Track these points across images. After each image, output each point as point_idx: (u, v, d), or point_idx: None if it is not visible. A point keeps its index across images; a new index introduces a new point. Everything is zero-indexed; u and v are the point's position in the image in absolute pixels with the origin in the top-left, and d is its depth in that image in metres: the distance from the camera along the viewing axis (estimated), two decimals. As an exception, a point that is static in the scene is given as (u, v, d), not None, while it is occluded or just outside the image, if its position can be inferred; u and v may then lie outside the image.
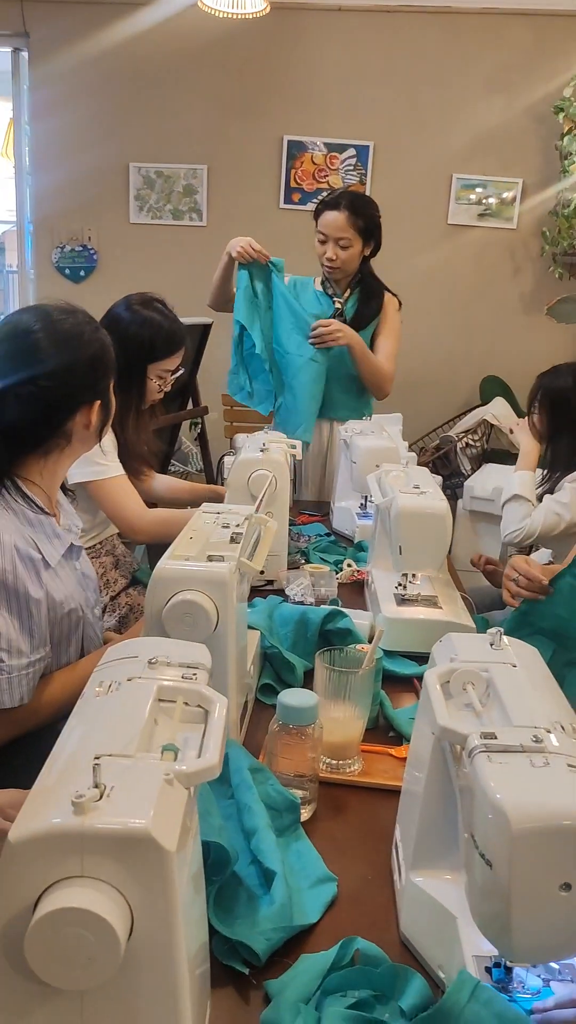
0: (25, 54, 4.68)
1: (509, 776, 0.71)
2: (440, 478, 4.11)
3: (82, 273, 4.90)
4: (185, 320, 3.06)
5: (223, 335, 4.22)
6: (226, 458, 2.83)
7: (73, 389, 1.36)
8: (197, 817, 0.77)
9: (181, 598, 1.16)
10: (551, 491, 2.43)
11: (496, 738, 0.75)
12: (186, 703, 0.82)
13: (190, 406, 3.86)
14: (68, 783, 0.66)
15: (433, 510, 1.65)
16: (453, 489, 4.35)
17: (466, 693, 0.88)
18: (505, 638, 0.96)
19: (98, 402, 1.40)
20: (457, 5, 4.46)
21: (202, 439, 4.27)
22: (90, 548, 2.18)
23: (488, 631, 0.97)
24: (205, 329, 3.84)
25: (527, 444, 2.57)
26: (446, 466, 4.38)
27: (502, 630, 0.96)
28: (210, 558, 1.22)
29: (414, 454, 4.11)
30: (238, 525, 1.39)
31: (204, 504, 1.48)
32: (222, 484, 2.98)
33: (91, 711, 0.79)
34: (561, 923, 0.68)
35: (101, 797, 0.64)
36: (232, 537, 1.33)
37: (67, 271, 4.89)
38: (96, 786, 0.65)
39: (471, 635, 0.98)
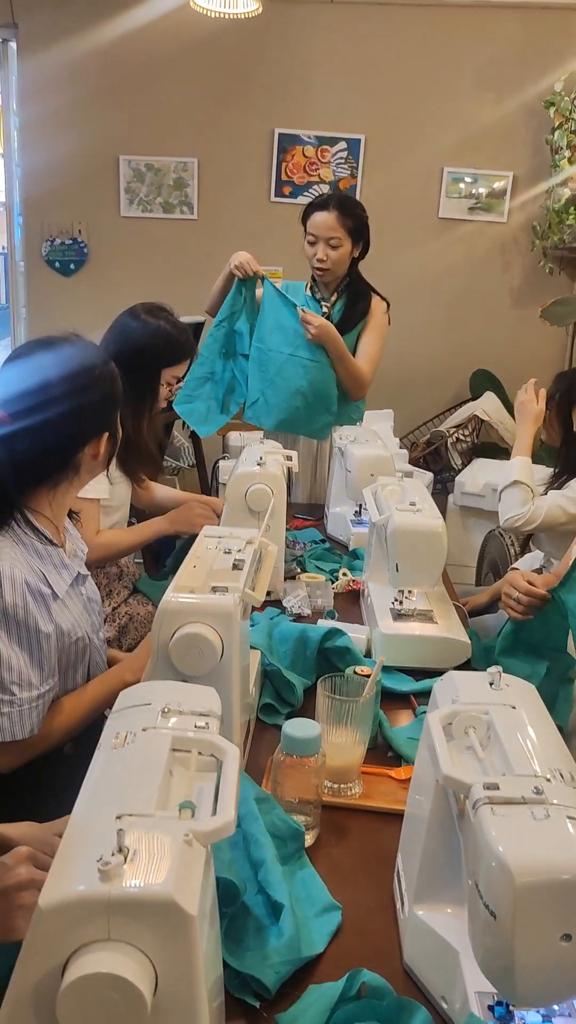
0: (13, 45, 4.65)
1: (512, 830, 0.74)
2: (431, 474, 4.16)
3: (72, 267, 4.89)
4: (181, 319, 3.09)
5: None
6: (221, 463, 2.86)
7: (83, 423, 1.38)
8: (213, 864, 0.81)
9: (187, 631, 1.19)
10: (558, 488, 2.44)
11: (499, 788, 0.79)
12: (200, 753, 0.86)
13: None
14: (93, 845, 0.69)
15: (429, 528, 1.68)
16: (444, 483, 4.39)
17: (468, 736, 0.91)
18: (504, 676, 1.00)
19: (107, 433, 1.43)
20: (448, -2, 4.46)
21: (195, 435, 4.29)
22: (114, 557, 2.21)
23: (488, 671, 1.00)
24: (198, 327, 3.85)
25: (526, 430, 2.56)
26: (437, 461, 4.42)
27: (500, 669, 1.00)
28: (214, 589, 1.25)
29: (405, 451, 4.16)
30: (240, 551, 1.41)
31: (205, 528, 1.50)
32: (217, 487, 3.01)
33: (110, 765, 0.82)
34: (562, 971, 0.72)
35: (125, 861, 0.67)
36: (235, 564, 1.36)
37: (57, 264, 4.88)
38: (120, 850, 0.68)
39: (471, 674, 1.02)
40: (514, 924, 0.71)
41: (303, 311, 2.61)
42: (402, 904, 1.02)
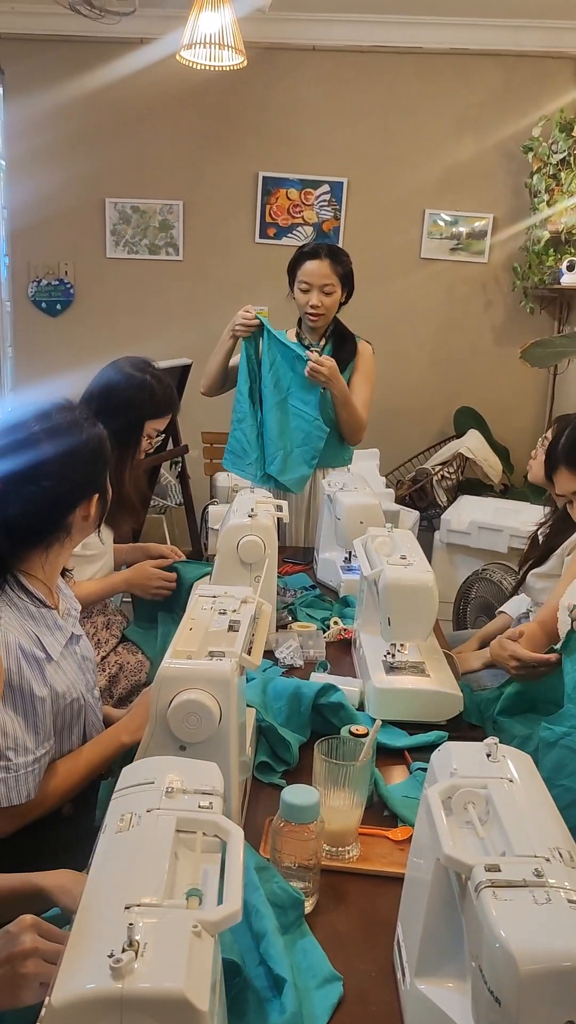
0: (0, 89, 4.71)
1: (514, 914, 0.75)
2: (417, 512, 4.19)
3: (59, 307, 4.92)
4: (164, 364, 3.12)
5: (202, 375, 4.28)
6: (211, 508, 2.88)
7: (74, 486, 1.40)
8: (220, 948, 0.81)
9: (185, 698, 1.20)
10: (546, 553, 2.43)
11: (500, 871, 0.80)
12: (204, 834, 0.86)
13: (170, 446, 3.90)
14: (103, 939, 0.70)
15: (420, 583, 1.70)
16: (430, 520, 4.42)
17: (467, 812, 0.92)
18: (501, 747, 1.01)
19: (97, 494, 1.44)
20: (428, 46, 4.56)
21: (182, 476, 4.31)
22: (81, 610, 2.21)
23: (484, 741, 1.02)
24: (184, 370, 3.88)
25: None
26: (423, 498, 4.45)
27: (497, 740, 1.01)
28: (211, 654, 1.27)
29: (391, 490, 4.19)
30: (235, 611, 1.43)
31: (199, 587, 1.52)
32: (207, 532, 3.03)
33: (116, 850, 0.82)
34: (565, 1056, 0.73)
35: (137, 956, 0.68)
36: (230, 625, 1.38)
37: (43, 305, 4.91)
38: (131, 944, 0.68)
39: (468, 745, 1.03)
40: (519, 1011, 0.72)
41: (312, 354, 2.64)
42: (403, 975, 1.02)
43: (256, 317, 2.71)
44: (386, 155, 4.74)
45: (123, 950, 0.68)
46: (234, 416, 2.82)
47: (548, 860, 0.82)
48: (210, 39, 3.11)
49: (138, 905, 0.74)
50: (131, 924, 0.69)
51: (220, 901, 0.78)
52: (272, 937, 1.05)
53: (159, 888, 0.76)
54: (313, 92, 4.67)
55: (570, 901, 0.77)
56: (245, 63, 3.17)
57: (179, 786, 0.91)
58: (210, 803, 0.89)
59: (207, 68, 3.25)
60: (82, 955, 0.70)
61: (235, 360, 2.80)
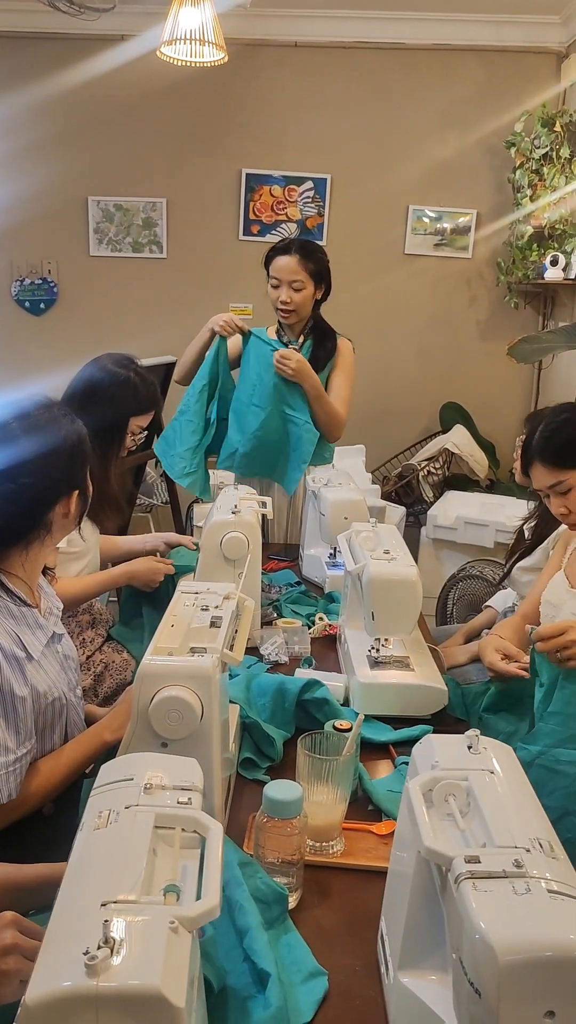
0: (-19, 88, 4.68)
1: (494, 905, 0.75)
2: (403, 508, 4.19)
3: (42, 306, 4.90)
4: (148, 361, 3.11)
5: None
6: (196, 507, 2.87)
7: (53, 483, 1.39)
8: (199, 944, 0.81)
9: (166, 694, 1.19)
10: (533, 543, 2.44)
11: (480, 862, 0.80)
12: (183, 829, 0.86)
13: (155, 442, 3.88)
14: (79, 936, 0.69)
15: (404, 577, 1.69)
16: (416, 516, 4.42)
17: (448, 804, 0.92)
18: (482, 739, 1.01)
19: (76, 491, 1.43)
20: (411, 41, 4.56)
21: (167, 474, 4.29)
22: (78, 604, 2.20)
23: (466, 733, 1.01)
24: (169, 367, 3.87)
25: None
26: (409, 494, 4.45)
27: (479, 732, 1.01)
28: (192, 651, 1.26)
29: (377, 486, 4.19)
30: (217, 607, 1.42)
31: (182, 583, 1.51)
32: (192, 530, 3.02)
33: (93, 847, 0.82)
34: (546, 1047, 0.73)
35: (112, 953, 0.67)
36: (212, 621, 1.37)
37: (27, 304, 4.89)
38: (106, 941, 0.68)
39: (450, 738, 1.03)
40: (499, 1002, 0.72)
41: (279, 352, 2.64)
42: (387, 969, 1.02)
43: (243, 328, 2.70)
44: (370, 151, 4.74)
45: (99, 947, 0.67)
46: (180, 405, 2.81)
47: (528, 851, 0.81)
48: (191, 35, 3.09)
49: (115, 902, 0.73)
50: (106, 921, 0.69)
51: (199, 897, 0.77)
52: (256, 932, 1.05)
53: (136, 884, 0.75)
54: (296, 88, 4.66)
55: (550, 891, 0.77)
56: (226, 59, 3.15)
57: (158, 782, 0.90)
58: (189, 799, 0.88)
59: (188, 64, 3.24)
60: (57, 953, 0.69)
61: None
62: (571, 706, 1.42)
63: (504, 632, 1.88)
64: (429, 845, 0.83)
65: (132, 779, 0.91)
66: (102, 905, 0.72)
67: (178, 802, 0.88)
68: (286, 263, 2.68)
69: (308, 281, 2.69)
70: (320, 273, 2.72)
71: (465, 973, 0.75)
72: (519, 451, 2.52)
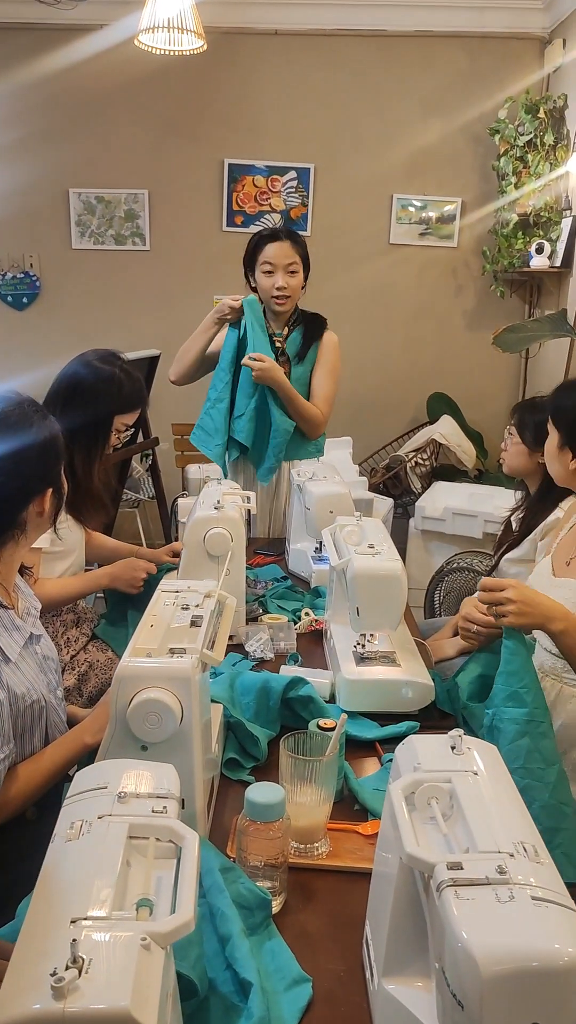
0: (-42, 79, 4.62)
1: (476, 915, 0.73)
2: (391, 499, 4.17)
3: (25, 300, 4.85)
4: (132, 355, 3.07)
5: (171, 366, 4.24)
6: (180, 501, 2.84)
7: (26, 481, 1.36)
8: (173, 959, 0.78)
9: (144, 697, 1.17)
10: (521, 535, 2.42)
11: (462, 868, 0.78)
12: (158, 839, 0.83)
13: (141, 438, 3.85)
14: (46, 956, 0.67)
15: (388, 572, 1.67)
16: (404, 508, 4.40)
17: (430, 807, 0.90)
18: (466, 739, 0.99)
19: (50, 489, 1.40)
20: (392, 28, 4.52)
21: (153, 468, 4.27)
22: (59, 605, 2.17)
23: (449, 733, 0.99)
24: (153, 361, 3.83)
25: None
26: (397, 486, 4.43)
27: (462, 732, 0.99)
28: (172, 651, 1.23)
29: (365, 478, 4.16)
30: (198, 605, 1.40)
31: (163, 581, 1.48)
32: (176, 525, 2.99)
33: (64, 861, 0.79)
34: (531, 1059, 0.71)
35: (80, 974, 0.65)
36: (193, 620, 1.35)
37: (9, 298, 4.84)
38: (74, 961, 0.65)
39: (433, 738, 1.00)
40: (482, 1015, 0.70)
41: (252, 355, 2.62)
42: (371, 975, 1.00)
43: (242, 304, 2.67)
44: (353, 140, 4.70)
45: (66, 968, 0.65)
46: (212, 393, 2.78)
47: (512, 856, 0.79)
48: (169, 23, 3.06)
49: (84, 919, 0.70)
50: (74, 940, 0.66)
51: (175, 910, 0.75)
52: (237, 940, 1.02)
53: (107, 900, 0.73)
54: (277, 77, 4.62)
55: (534, 899, 0.74)
56: (205, 47, 3.12)
57: (132, 790, 0.88)
58: (164, 807, 0.86)
59: (167, 53, 3.20)
60: (24, 974, 0.66)
61: (213, 346, 2.76)
62: (510, 664, 1.45)
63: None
64: (411, 852, 0.81)
65: (106, 787, 0.89)
66: (71, 922, 0.70)
67: (153, 811, 0.85)
68: (280, 248, 2.66)
69: (300, 264, 2.69)
70: (306, 257, 2.73)
71: (448, 984, 0.73)
72: (509, 443, 2.50)
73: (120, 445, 2.31)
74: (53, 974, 0.64)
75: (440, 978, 0.76)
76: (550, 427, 1.87)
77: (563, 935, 0.72)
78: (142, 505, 4.67)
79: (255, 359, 2.60)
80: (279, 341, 2.77)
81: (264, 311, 2.77)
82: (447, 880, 0.76)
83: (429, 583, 3.44)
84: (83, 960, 0.66)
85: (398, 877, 0.91)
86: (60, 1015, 0.62)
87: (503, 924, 0.72)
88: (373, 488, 4.35)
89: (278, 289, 2.68)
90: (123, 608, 2.31)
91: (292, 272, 2.67)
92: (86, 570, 2.41)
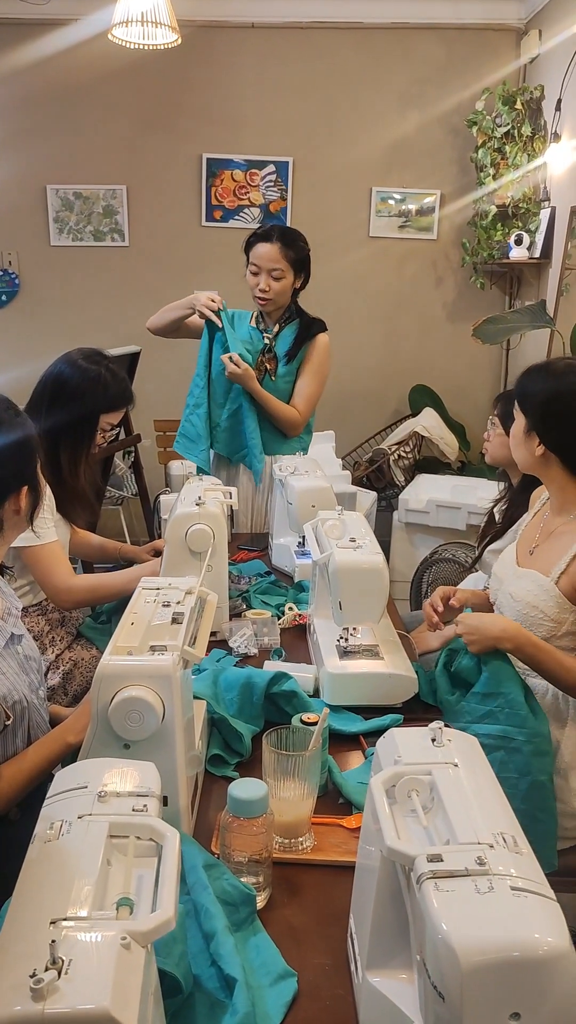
0: None
1: (456, 906, 0.73)
2: (374, 493, 4.17)
3: (3, 298, 4.81)
4: (115, 351, 3.06)
5: (152, 363, 4.22)
6: (163, 498, 2.83)
7: (1, 480, 1.35)
8: (154, 957, 0.78)
9: (126, 695, 1.16)
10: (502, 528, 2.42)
11: (442, 860, 0.78)
12: (138, 837, 0.83)
13: (122, 435, 3.83)
14: (26, 957, 0.66)
15: (370, 565, 1.67)
16: (388, 501, 4.41)
17: (411, 800, 0.90)
18: (446, 731, 0.99)
19: (25, 487, 1.39)
20: (369, 21, 4.51)
21: (136, 465, 4.25)
22: (36, 605, 2.17)
23: (429, 726, 0.99)
24: (134, 357, 3.82)
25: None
26: (380, 479, 4.44)
27: (443, 725, 0.99)
28: (152, 648, 1.23)
29: (348, 472, 4.17)
30: (179, 602, 1.39)
31: (144, 579, 1.48)
32: (159, 522, 2.98)
33: (44, 862, 0.79)
34: (512, 1049, 0.71)
35: (60, 975, 0.65)
36: (174, 617, 1.34)
37: (-12, 297, 4.81)
38: (54, 962, 0.65)
39: (413, 731, 1.01)
40: (462, 1005, 0.70)
41: (229, 356, 2.61)
42: (356, 968, 1.00)
43: (217, 312, 2.65)
44: (331, 133, 4.69)
45: (46, 968, 0.65)
46: (190, 400, 2.78)
47: (492, 846, 0.80)
48: (143, 17, 3.04)
49: (64, 919, 0.70)
50: (53, 941, 0.66)
51: (156, 908, 0.75)
52: (222, 937, 1.02)
53: (87, 900, 0.73)
54: (254, 70, 4.60)
55: (513, 888, 0.75)
56: (179, 41, 3.10)
57: (113, 789, 0.88)
58: (144, 805, 0.86)
59: (141, 47, 3.18)
60: (4, 977, 0.66)
61: (194, 321, 2.75)
62: (487, 685, 1.51)
63: (466, 593, 1.91)
64: (391, 845, 0.81)
65: (86, 787, 0.89)
66: (51, 923, 0.70)
67: (133, 809, 0.85)
68: (267, 251, 2.63)
69: (288, 270, 2.65)
70: (301, 262, 2.69)
71: (428, 976, 0.73)
72: (491, 433, 2.50)
73: (105, 444, 2.30)
74: (33, 975, 0.64)
75: (421, 970, 0.76)
76: (516, 412, 1.86)
77: (542, 924, 0.72)
78: (125, 502, 4.66)
79: (233, 361, 2.59)
80: (268, 338, 2.76)
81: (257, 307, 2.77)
82: (427, 872, 0.77)
83: (414, 573, 3.45)
84: (63, 961, 0.65)
85: (380, 870, 0.91)
86: (40, 1016, 0.62)
87: (482, 915, 0.72)
88: (356, 482, 4.35)
89: (260, 291, 2.67)
90: (112, 607, 2.31)
91: (276, 277, 2.65)
92: (71, 567, 2.40)
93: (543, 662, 1.61)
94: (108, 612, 2.31)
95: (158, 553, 2.33)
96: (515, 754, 1.48)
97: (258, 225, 2.74)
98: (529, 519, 1.95)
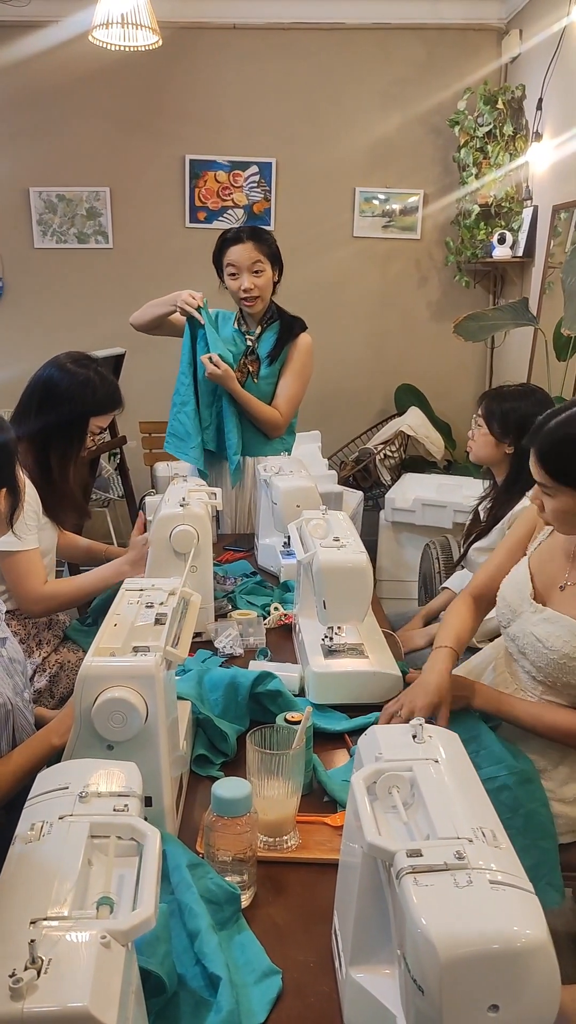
0: None
1: (435, 900, 0.74)
2: (361, 493, 4.18)
3: (-12, 301, 4.80)
4: (99, 353, 3.05)
5: (137, 364, 4.21)
6: (148, 499, 2.83)
7: None
8: (135, 956, 0.79)
9: (109, 696, 1.17)
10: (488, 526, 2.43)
11: (422, 855, 0.78)
12: (119, 837, 0.83)
13: (107, 437, 3.83)
14: (5, 958, 0.67)
15: (353, 564, 1.68)
16: (375, 500, 4.42)
17: (392, 796, 0.91)
18: (427, 727, 1.00)
19: (4, 489, 1.39)
20: (350, 21, 4.52)
21: (122, 467, 4.25)
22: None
23: (410, 722, 1.00)
24: (119, 359, 3.81)
25: None
26: (366, 478, 4.45)
27: (423, 721, 1.00)
28: (135, 650, 1.23)
29: (334, 471, 4.17)
30: (162, 603, 1.39)
31: (127, 580, 1.48)
32: (145, 524, 2.97)
33: (24, 863, 0.79)
34: (491, 1041, 0.72)
35: (39, 974, 0.65)
36: (157, 618, 1.34)
37: (-28, 300, 4.79)
38: (33, 962, 0.65)
39: (395, 728, 1.01)
40: (442, 999, 0.70)
41: (209, 356, 2.62)
42: (340, 965, 1.00)
43: (199, 309, 2.65)
44: (313, 134, 4.69)
45: (25, 968, 0.65)
46: (176, 398, 2.78)
47: (471, 841, 0.80)
48: (123, 19, 3.04)
49: (44, 919, 0.70)
50: (32, 941, 0.66)
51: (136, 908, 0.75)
52: (206, 935, 1.03)
53: (68, 899, 0.73)
54: (236, 72, 4.60)
55: (492, 882, 0.75)
56: (160, 43, 3.10)
57: (94, 790, 0.88)
58: (125, 805, 0.86)
59: (121, 49, 3.17)
60: (-17, 976, 0.66)
61: (177, 317, 2.75)
62: (463, 733, 1.35)
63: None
64: (371, 841, 0.82)
65: (67, 787, 0.89)
66: (31, 923, 0.70)
67: (114, 809, 0.85)
68: (242, 250, 2.64)
69: (266, 262, 2.67)
70: (275, 255, 2.71)
71: (408, 969, 0.74)
72: (476, 432, 2.51)
73: (95, 447, 2.30)
74: (12, 975, 0.64)
75: (402, 964, 0.77)
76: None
77: (521, 917, 0.73)
78: (112, 504, 4.65)
79: (213, 361, 2.60)
80: (251, 339, 2.76)
81: (240, 311, 2.77)
82: (406, 867, 0.77)
83: (420, 562, 3.45)
84: (42, 960, 0.66)
85: (363, 867, 0.92)
86: (19, 1015, 0.62)
87: (461, 908, 0.73)
88: (343, 481, 4.36)
89: (244, 291, 2.67)
90: (103, 607, 2.30)
91: (257, 272, 2.66)
92: (58, 570, 2.40)
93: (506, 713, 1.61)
94: (94, 614, 2.31)
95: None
96: (502, 792, 1.45)
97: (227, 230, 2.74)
98: (544, 537, 1.75)
